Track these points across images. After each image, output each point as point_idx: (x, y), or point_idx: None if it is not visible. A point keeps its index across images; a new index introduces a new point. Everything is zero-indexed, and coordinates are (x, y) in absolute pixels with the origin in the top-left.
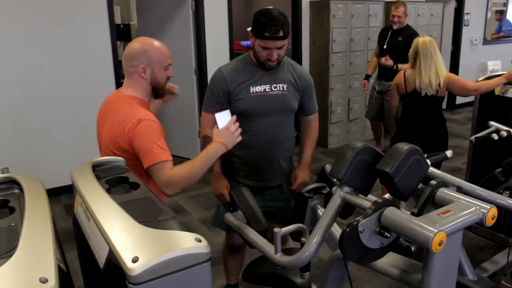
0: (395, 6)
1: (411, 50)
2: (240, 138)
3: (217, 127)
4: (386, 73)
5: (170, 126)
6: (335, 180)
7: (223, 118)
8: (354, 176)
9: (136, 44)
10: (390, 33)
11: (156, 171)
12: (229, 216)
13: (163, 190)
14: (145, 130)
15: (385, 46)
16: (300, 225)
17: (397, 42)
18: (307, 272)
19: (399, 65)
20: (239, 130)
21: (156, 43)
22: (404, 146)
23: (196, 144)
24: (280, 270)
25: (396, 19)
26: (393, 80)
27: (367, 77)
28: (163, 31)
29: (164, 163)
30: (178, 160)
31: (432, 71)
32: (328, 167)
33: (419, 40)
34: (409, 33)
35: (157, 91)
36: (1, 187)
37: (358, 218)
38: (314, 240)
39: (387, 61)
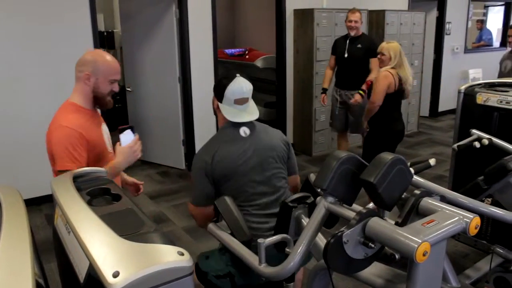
0: (351, 11)
1: (391, 52)
2: (139, 156)
3: (120, 144)
4: (345, 83)
5: (155, 134)
6: (319, 190)
7: (127, 137)
8: (338, 186)
9: (89, 54)
10: (348, 41)
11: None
12: (212, 226)
13: None
14: (61, 136)
15: (346, 55)
16: (284, 235)
17: (357, 49)
18: (292, 283)
19: (371, 77)
20: (140, 149)
21: (108, 57)
22: (388, 156)
23: (180, 152)
24: None
25: (353, 24)
26: (381, 81)
27: (324, 90)
28: (147, 39)
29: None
30: (164, 168)
31: (409, 70)
32: (312, 177)
33: (395, 43)
34: (367, 40)
35: (98, 101)
36: None
37: (342, 229)
38: (298, 251)
39: (356, 100)
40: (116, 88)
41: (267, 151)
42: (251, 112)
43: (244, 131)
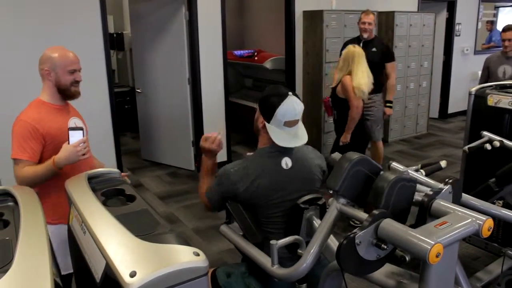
0: (364, 13)
1: (342, 58)
2: (84, 157)
3: (68, 142)
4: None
5: (164, 136)
6: (331, 192)
7: (76, 136)
8: (350, 187)
9: (46, 51)
10: (362, 45)
11: (14, 165)
12: (224, 228)
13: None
14: (17, 128)
15: None
16: (297, 237)
17: (372, 54)
18: (304, 284)
19: (391, 82)
20: (85, 151)
21: (62, 50)
22: (390, 176)
23: (190, 153)
24: None
25: (366, 26)
26: (350, 85)
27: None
28: (156, 41)
29: (18, 161)
30: (174, 169)
31: (362, 78)
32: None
33: (349, 49)
34: (381, 43)
35: (64, 92)
36: None
37: (354, 231)
38: (311, 252)
39: (390, 114)
40: (78, 77)
41: (306, 185)
42: (301, 136)
43: (286, 162)
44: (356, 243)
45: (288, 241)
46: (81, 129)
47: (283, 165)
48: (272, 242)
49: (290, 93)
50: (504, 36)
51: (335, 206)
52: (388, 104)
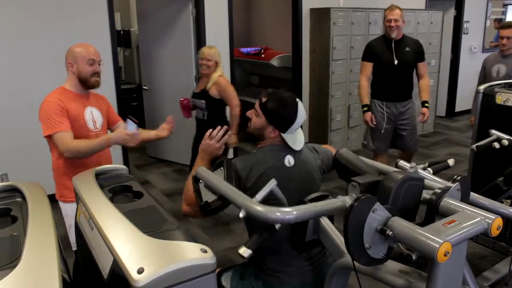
0: (389, 9)
1: (217, 58)
2: (131, 144)
3: (125, 128)
4: (395, 94)
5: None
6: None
7: (131, 127)
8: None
9: (71, 46)
10: (393, 45)
11: (56, 139)
12: (201, 170)
13: (63, 154)
14: (44, 108)
15: (396, 62)
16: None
17: (406, 54)
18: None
19: (424, 83)
20: (132, 140)
21: (84, 45)
22: (397, 175)
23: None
24: None
25: (393, 24)
26: (228, 85)
27: (368, 107)
28: (163, 38)
29: (57, 135)
30: (180, 166)
31: None
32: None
33: (216, 48)
34: (414, 42)
35: (84, 83)
36: (3, 196)
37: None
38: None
39: (427, 116)
40: (97, 68)
41: (307, 185)
42: (302, 137)
43: (288, 160)
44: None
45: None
46: (137, 123)
47: (286, 163)
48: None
49: (298, 100)
50: (503, 33)
51: (343, 200)
52: (426, 105)
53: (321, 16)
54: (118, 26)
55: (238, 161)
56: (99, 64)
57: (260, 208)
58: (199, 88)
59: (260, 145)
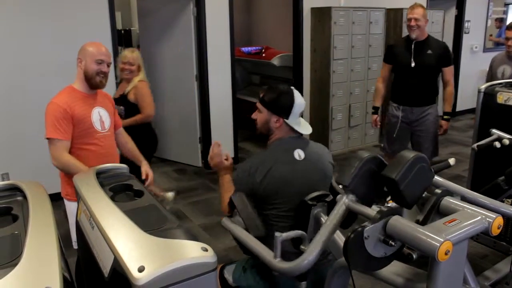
0: (410, 8)
1: (140, 62)
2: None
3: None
4: (411, 98)
5: (171, 132)
6: (341, 186)
7: None
8: (360, 185)
9: (84, 44)
10: (413, 46)
11: (49, 144)
12: (226, 221)
13: (52, 161)
14: (49, 110)
15: (413, 64)
16: (301, 232)
17: (427, 57)
18: (304, 282)
19: (449, 91)
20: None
21: (96, 43)
22: (410, 154)
23: (197, 150)
24: None
25: (413, 23)
26: (147, 92)
27: (377, 110)
28: (164, 37)
29: (52, 140)
30: (181, 166)
31: None
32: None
33: (138, 51)
34: (438, 44)
35: (89, 81)
36: (4, 194)
37: (364, 224)
38: (314, 248)
39: (446, 130)
40: (104, 68)
41: (318, 179)
42: (307, 124)
43: (298, 154)
44: (364, 237)
45: (292, 235)
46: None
47: (296, 156)
48: (277, 234)
49: (292, 87)
50: (509, 34)
51: (344, 202)
52: (445, 117)
53: (322, 15)
54: (119, 25)
55: (248, 167)
56: (108, 66)
57: (283, 265)
58: (118, 93)
59: (270, 141)
